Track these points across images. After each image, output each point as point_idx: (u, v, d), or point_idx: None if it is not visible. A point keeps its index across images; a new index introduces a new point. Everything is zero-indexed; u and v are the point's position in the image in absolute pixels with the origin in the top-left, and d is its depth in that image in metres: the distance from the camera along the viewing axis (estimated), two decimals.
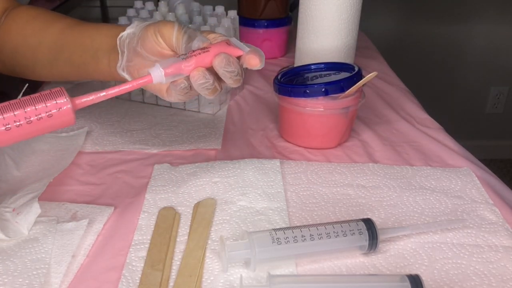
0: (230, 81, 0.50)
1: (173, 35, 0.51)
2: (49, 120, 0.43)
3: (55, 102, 0.43)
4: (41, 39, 0.61)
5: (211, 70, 0.49)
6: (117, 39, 0.54)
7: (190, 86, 0.51)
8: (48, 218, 0.55)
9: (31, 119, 0.42)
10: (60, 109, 0.43)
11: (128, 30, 0.53)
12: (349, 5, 0.84)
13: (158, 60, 0.51)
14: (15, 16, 0.64)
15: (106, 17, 1.69)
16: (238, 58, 0.50)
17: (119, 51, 0.54)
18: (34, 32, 0.62)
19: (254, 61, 0.49)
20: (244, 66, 0.50)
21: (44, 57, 0.61)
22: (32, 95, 0.43)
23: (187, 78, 0.50)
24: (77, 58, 0.59)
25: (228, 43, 0.50)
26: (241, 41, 0.51)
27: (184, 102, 0.83)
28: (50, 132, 0.71)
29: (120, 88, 0.46)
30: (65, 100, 0.43)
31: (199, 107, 0.83)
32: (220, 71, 0.49)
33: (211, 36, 0.52)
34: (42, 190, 0.55)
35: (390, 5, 1.81)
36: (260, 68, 0.50)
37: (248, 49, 0.50)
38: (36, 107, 0.42)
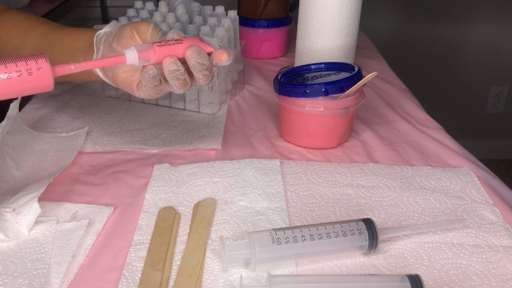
0: (200, 75, 0.52)
1: (149, 31, 0.53)
2: (28, 79, 0.43)
3: (35, 61, 0.44)
4: (24, 40, 0.64)
5: (183, 63, 0.51)
6: (94, 36, 0.56)
7: (160, 79, 0.52)
8: (48, 218, 0.55)
9: (11, 74, 0.43)
10: (40, 69, 0.44)
11: (106, 29, 0.56)
12: (349, 5, 0.84)
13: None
14: (3, 18, 0.67)
15: (106, 17, 1.69)
16: (209, 55, 0.52)
17: (95, 48, 0.56)
18: (19, 34, 0.65)
19: (223, 56, 0.52)
20: (214, 62, 0.52)
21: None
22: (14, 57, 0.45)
23: (158, 67, 0.51)
24: (57, 58, 0.60)
25: (201, 39, 0.52)
26: (214, 41, 0.54)
27: (184, 102, 0.84)
28: (49, 135, 0.70)
29: (97, 62, 0.48)
30: (45, 61, 0.44)
31: (199, 107, 0.83)
32: (192, 62, 0.51)
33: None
34: (42, 190, 0.55)
35: (390, 5, 1.81)
36: (227, 63, 0.52)
37: (219, 46, 0.52)
38: (17, 64, 0.43)
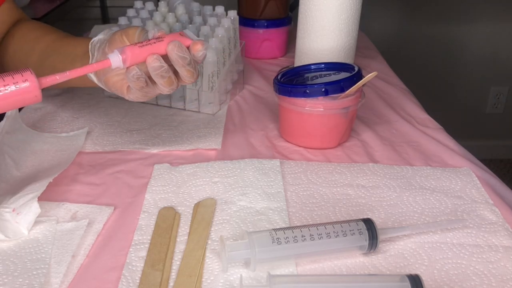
0: (184, 72, 0.53)
1: (136, 33, 0.54)
2: (16, 93, 0.45)
3: (21, 75, 0.45)
4: (34, 46, 0.68)
5: (166, 61, 0.52)
6: (89, 43, 0.59)
7: (147, 81, 0.53)
8: (48, 218, 0.55)
9: (0, 89, 0.44)
10: (26, 81, 0.45)
11: (100, 36, 0.58)
12: (349, 5, 0.84)
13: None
14: (21, 25, 0.73)
15: (106, 17, 1.69)
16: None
17: (90, 55, 0.59)
18: (30, 40, 0.70)
19: (197, 46, 0.53)
20: (193, 55, 0.53)
21: (34, 61, 0.67)
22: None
23: (143, 69, 0.52)
24: (59, 64, 0.63)
25: (181, 34, 0.53)
26: (196, 35, 0.55)
27: (184, 102, 0.84)
28: (49, 135, 0.70)
29: (82, 69, 0.49)
30: (31, 74, 0.46)
31: (199, 107, 0.83)
32: (173, 56, 0.51)
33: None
34: (42, 190, 0.55)
35: (390, 5, 1.81)
36: (201, 53, 0.53)
37: (197, 38, 0.54)
38: (4, 79, 0.45)
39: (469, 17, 1.83)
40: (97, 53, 0.57)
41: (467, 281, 0.48)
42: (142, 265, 0.49)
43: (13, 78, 0.45)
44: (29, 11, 1.33)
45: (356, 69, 0.70)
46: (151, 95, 0.56)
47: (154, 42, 0.51)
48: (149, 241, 0.53)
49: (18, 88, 0.45)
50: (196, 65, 0.54)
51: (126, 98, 0.57)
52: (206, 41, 0.81)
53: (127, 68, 0.52)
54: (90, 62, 0.58)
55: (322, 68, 0.74)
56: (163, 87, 0.54)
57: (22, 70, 0.46)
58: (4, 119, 0.63)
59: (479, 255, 0.51)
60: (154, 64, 0.51)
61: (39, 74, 0.47)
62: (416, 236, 0.54)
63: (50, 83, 0.47)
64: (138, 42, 0.52)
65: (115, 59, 0.50)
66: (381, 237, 0.51)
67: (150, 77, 0.54)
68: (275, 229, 0.50)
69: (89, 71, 0.50)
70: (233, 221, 0.56)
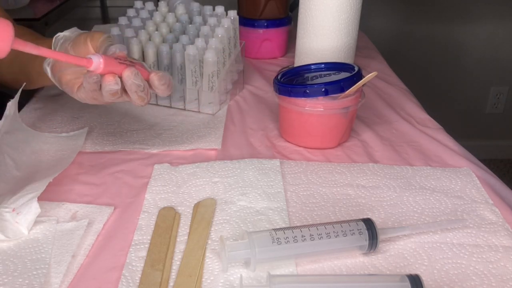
0: (135, 96, 0.56)
1: (101, 39, 0.57)
2: None
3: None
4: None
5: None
6: (54, 37, 0.61)
7: (100, 87, 0.55)
8: (48, 218, 0.55)
9: None
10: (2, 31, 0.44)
11: (65, 33, 0.60)
12: (349, 5, 0.84)
13: (79, 70, 0.58)
14: None
15: (106, 17, 1.69)
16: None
17: (52, 48, 0.60)
18: None
19: (154, 78, 0.57)
20: (153, 86, 0.57)
21: (6, 62, 0.70)
22: None
23: (101, 77, 0.54)
24: (25, 61, 0.67)
25: (142, 65, 0.58)
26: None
27: (184, 102, 0.84)
28: (49, 135, 0.70)
29: (57, 53, 0.50)
30: (9, 24, 0.45)
31: (199, 107, 0.83)
32: (129, 82, 0.54)
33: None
34: (42, 190, 0.55)
35: (390, 5, 1.81)
36: (164, 92, 0.57)
37: (159, 73, 0.57)
38: None
39: (469, 17, 1.83)
40: (58, 48, 0.59)
41: (467, 281, 0.48)
42: (142, 265, 0.49)
43: None
44: (29, 11, 1.33)
45: (356, 69, 0.70)
46: (97, 100, 0.58)
47: (119, 62, 0.54)
48: (149, 241, 0.53)
49: None
50: (149, 91, 0.57)
51: (74, 96, 0.59)
52: (206, 41, 0.81)
53: (90, 72, 0.53)
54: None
55: (322, 68, 0.74)
56: (108, 96, 0.56)
57: (3, 20, 0.45)
58: (3, 118, 0.63)
59: (479, 255, 0.51)
60: (111, 86, 0.54)
61: (9, 75, 0.47)
62: (416, 236, 0.54)
63: (21, 47, 0.47)
64: (109, 55, 0.54)
65: (96, 61, 0.51)
66: (381, 237, 0.51)
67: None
68: (275, 229, 0.50)
69: (61, 59, 0.51)
70: (233, 221, 0.56)
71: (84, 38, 0.57)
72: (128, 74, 0.54)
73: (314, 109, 0.68)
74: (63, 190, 0.62)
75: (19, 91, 0.63)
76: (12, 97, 0.62)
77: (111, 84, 0.53)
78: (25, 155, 0.68)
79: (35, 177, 0.62)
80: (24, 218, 0.52)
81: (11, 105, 0.63)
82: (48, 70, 0.60)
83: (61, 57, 0.50)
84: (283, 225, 0.55)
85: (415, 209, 0.59)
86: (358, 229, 0.50)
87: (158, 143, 0.73)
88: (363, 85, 0.68)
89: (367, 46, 1.20)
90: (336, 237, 0.49)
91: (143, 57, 0.84)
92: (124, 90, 0.56)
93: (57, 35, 0.61)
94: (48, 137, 0.73)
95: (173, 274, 0.48)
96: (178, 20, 0.90)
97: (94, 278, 0.48)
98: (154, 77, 0.56)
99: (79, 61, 0.51)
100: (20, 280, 0.47)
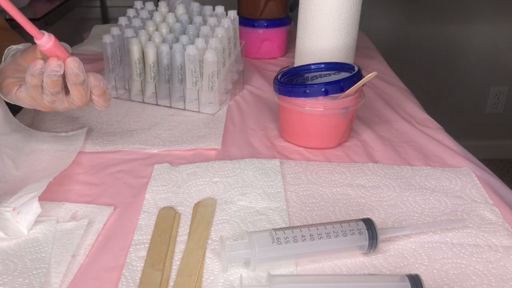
0: (74, 91, 0.54)
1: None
2: None
3: None
4: None
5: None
6: (6, 49, 0.63)
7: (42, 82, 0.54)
8: (48, 218, 0.55)
9: None
10: None
11: (19, 47, 0.62)
12: (349, 5, 0.84)
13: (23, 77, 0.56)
14: None
15: (106, 17, 1.69)
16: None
17: (3, 58, 0.62)
18: None
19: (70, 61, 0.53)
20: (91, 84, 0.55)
21: None
22: None
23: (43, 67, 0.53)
24: None
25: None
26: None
27: (184, 102, 0.84)
28: (48, 134, 0.70)
29: (13, 7, 0.48)
30: None
31: (199, 107, 0.83)
32: (69, 70, 0.52)
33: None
34: (42, 190, 0.55)
35: (390, 5, 1.81)
36: (71, 70, 0.53)
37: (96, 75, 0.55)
38: None
39: (469, 17, 1.83)
40: (8, 58, 0.60)
41: (467, 281, 0.48)
42: (142, 265, 0.49)
43: None
44: (29, 11, 1.33)
45: (356, 69, 0.70)
46: (36, 100, 0.56)
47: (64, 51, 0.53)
48: (149, 241, 0.53)
49: None
50: (88, 91, 0.55)
51: (10, 99, 0.57)
52: (206, 41, 0.81)
53: (34, 61, 0.52)
54: (0, 65, 0.60)
55: (322, 68, 0.74)
56: (49, 88, 0.54)
57: None
58: None
59: (479, 255, 0.51)
60: (54, 67, 0.52)
61: None
62: (416, 236, 0.54)
63: None
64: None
65: (47, 37, 0.51)
66: (381, 237, 0.51)
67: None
68: (275, 229, 0.50)
69: (16, 17, 0.48)
70: (233, 221, 0.56)
71: (34, 47, 0.56)
72: (71, 61, 0.52)
73: (314, 109, 0.68)
74: (63, 190, 0.62)
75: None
76: None
77: (54, 66, 0.52)
78: (24, 154, 0.68)
79: (35, 177, 0.62)
80: (25, 217, 0.52)
81: None
82: None
83: (18, 16, 0.48)
84: (283, 225, 0.55)
85: (415, 209, 0.59)
86: (358, 229, 0.50)
87: (158, 143, 0.73)
88: (363, 85, 0.68)
89: (367, 46, 1.20)
90: (336, 237, 0.49)
91: (143, 57, 0.84)
92: (64, 88, 0.55)
93: (10, 47, 0.63)
94: (47, 137, 0.73)
95: (173, 274, 0.48)
96: (178, 20, 0.90)
97: (94, 278, 0.48)
98: (91, 77, 0.55)
99: (32, 29, 0.49)
100: (20, 279, 0.47)
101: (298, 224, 0.56)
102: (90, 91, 0.55)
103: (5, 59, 0.61)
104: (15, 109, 0.70)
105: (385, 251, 0.52)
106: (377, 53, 1.17)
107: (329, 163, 0.68)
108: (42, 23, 1.28)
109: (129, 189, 0.62)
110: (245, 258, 0.48)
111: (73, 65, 0.52)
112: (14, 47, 0.62)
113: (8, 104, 0.63)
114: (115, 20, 0.91)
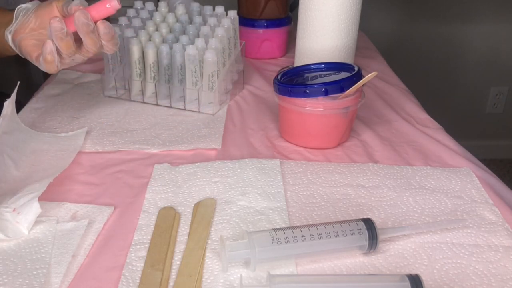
0: (87, 39, 0.59)
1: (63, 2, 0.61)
2: None
3: None
4: None
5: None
6: (16, 8, 0.64)
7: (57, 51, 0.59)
8: (48, 218, 0.55)
9: None
10: None
11: (27, 5, 0.64)
12: (349, 5, 0.84)
13: (43, 32, 0.62)
14: None
15: (106, 17, 1.69)
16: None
17: (14, 18, 0.64)
18: None
19: (101, 26, 0.61)
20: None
21: None
22: None
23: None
24: None
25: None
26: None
27: (184, 102, 0.84)
28: (49, 135, 0.70)
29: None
30: None
31: (199, 107, 0.83)
32: (79, 23, 0.58)
33: None
34: (42, 190, 0.55)
35: (390, 5, 1.81)
36: (104, 33, 0.61)
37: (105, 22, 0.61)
38: None
39: (469, 17, 1.83)
40: (21, 17, 0.63)
41: (467, 281, 0.48)
42: (142, 265, 0.49)
43: None
44: None
45: (356, 69, 0.70)
46: (54, 60, 0.59)
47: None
48: (149, 241, 0.53)
49: None
50: (99, 37, 0.60)
51: (35, 63, 0.62)
52: (206, 41, 0.81)
53: (53, 20, 0.56)
54: (12, 25, 0.63)
55: (322, 68, 0.74)
56: (59, 43, 0.58)
57: None
58: (1, 118, 0.63)
59: (479, 255, 0.51)
60: (55, 24, 0.57)
61: None
62: (416, 236, 0.54)
63: None
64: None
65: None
66: (381, 237, 0.51)
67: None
68: (275, 229, 0.50)
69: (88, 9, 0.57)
70: (233, 221, 0.56)
71: (49, 3, 0.60)
72: (79, 14, 0.57)
73: (314, 109, 0.68)
74: (63, 190, 0.62)
75: (15, 90, 0.63)
76: (9, 97, 0.62)
77: (56, 24, 0.56)
78: (24, 154, 0.68)
79: (35, 177, 0.62)
80: (25, 218, 0.52)
81: (8, 104, 0.63)
82: (10, 39, 0.63)
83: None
84: (283, 225, 0.55)
85: (415, 209, 0.59)
86: (358, 229, 0.50)
87: (158, 143, 0.73)
88: (363, 85, 0.68)
89: (367, 46, 1.20)
90: (336, 237, 0.49)
91: (143, 57, 0.84)
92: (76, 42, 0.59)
93: (19, 6, 0.64)
94: (48, 137, 0.73)
95: (173, 274, 0.48)
96: (178, 20, 0.90)
97: (94, 278, 0.48)
98: (100, 25, 0.60)
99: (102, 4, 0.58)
100: (20, 280, 0.47)
101: (298, 224, 0.56)
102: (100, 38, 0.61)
103: (16, 18, 0.63)
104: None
105: (385, 251, 0.52)
106: (377, 53, 1.17)
107: (329, 163, 0.68)
108: None
109: (129, 189, 0.62)
110: (245, 258, 0.48)
111: (82, 17, 0.57)
112: (23, 6, 0.64)
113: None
114: (115, 20, 0.91)
